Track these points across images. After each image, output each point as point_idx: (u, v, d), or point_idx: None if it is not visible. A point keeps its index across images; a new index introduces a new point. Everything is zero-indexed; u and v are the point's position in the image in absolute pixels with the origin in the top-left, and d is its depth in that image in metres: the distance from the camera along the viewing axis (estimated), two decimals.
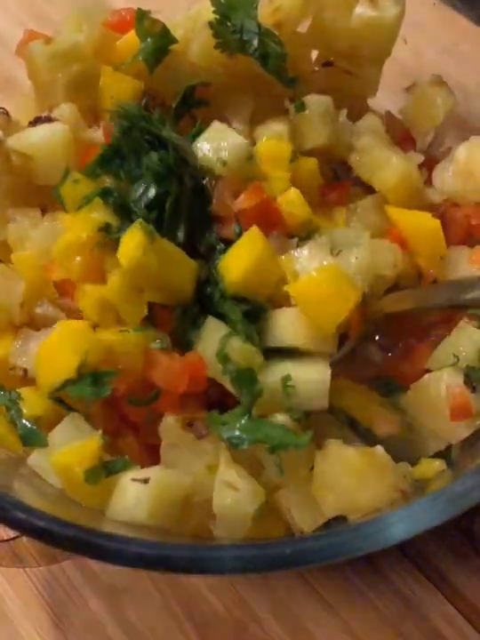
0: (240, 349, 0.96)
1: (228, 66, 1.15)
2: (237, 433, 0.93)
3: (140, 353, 0.97)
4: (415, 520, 0.83)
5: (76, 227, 1.02)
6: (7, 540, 1.17)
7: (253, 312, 1.00)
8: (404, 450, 0.99)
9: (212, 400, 1.01)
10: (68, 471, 0.91)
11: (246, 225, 1.02)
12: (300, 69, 1.18)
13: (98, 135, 1.13)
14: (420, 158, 1.16)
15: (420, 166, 1.15)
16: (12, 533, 1.16)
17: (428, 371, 1.03)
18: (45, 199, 1.11)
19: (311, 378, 0.96)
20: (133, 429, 1.01)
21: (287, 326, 1.00)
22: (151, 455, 0.98)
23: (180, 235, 1.02)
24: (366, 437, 0.99)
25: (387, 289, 1.07)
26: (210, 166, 1.05)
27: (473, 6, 1.21)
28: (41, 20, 1.51)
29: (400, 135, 1.24)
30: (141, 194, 1.03)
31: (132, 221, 1.00)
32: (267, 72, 1.13)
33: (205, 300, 1.02)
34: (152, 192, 1.02)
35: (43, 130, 1.11)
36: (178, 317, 1.01)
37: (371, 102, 1.28)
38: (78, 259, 1.01)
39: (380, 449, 0.94)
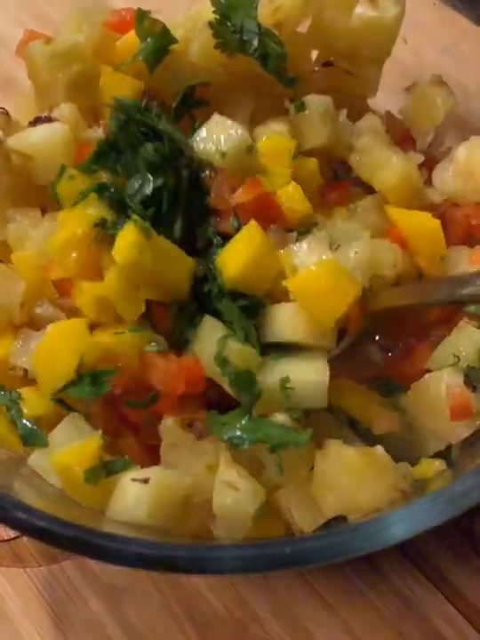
0: (239, 352, 0.96)
1: (228, 66, 1.15)
2: (238, 433, 0.93)
3: (137, 354, 0.97)
4: (415, 520, 0.83)
5: (72, 223, 1.02)
6: (7, 540, 1.17)
7: (252, 307, 1.00)
8: (404, 450, 0.99)
9: (212, 400, 1.01)
10: (69, 471, 0.91)
11: (245, 219, 1.01)
12: (299, 69, 1.18)
13: (98, 135, 1.13)
14: (420, 158, 1.16)
15: (420, 166, 1.15)
16: (12, 533, 1.16)
17: (428, 371, 1.03)
18: (45, 199, 1.11)
19: (310, 378, 0.96)
20: (133, 429, 1.01)
21: (286, 321, 1.00)
22: (151, 455, 0.99)
23: (177, 229, 1.02)
24: (366, 437, 0.99)
25: None
26: (209, 158, 1.05)
27: (473, 6, 1.21)
28: (41, 20, 1.51)
29: (400, 135, 1.24)
30: (137, 188, 1.02)
31: (128, 217, 0.99)
32: (267, 72, 1.13)
33: (203, 296, 1.02)
34: (148, 186, 1.02)
35: (43, 130, 1.11)
36: (174, 315, 1.00)
37: (371, 102, 1.28)
38: (74, 255, 1.00)
39: (380, 449, 0.94)
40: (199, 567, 0.83)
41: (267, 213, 1.03)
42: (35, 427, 0.97)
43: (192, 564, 0.82)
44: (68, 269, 1.02)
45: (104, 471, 0.92)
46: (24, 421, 0.97)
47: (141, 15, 1.12)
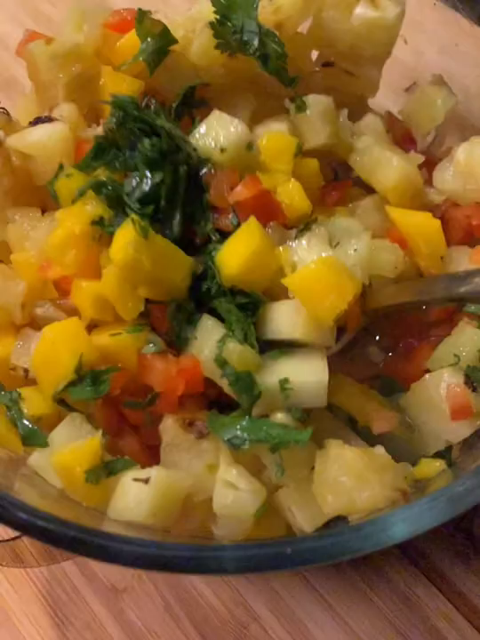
0: (238, 353, 0.96)
1: (228, 66, 1.15)
2: (238, 433, 0.93)
3: (135, 354, 0.97)
4: (416, 520, 0.83)
5: (70, 220, 1.01)
6: (8, 540, 1.17)
7: (250, 304, 1.00)
8: (404, 450, 0.99)
9: (211, 398, 1.01)
10: (69, 471, 0.91)
11: (244, 216, 1.01)
12: (300, 69, 1.18)
13: (97, 134, 1.13)
14: (421, 158, 1.16)
15: (421, 166, 1.15)
16: (12, 533, 1.17)
17: (429, 371, 1.03)
18: (45, 199, 1.11)
19: (310, 378, 0.96)
20: (134, 429, 1.01)
21: (285, 319, 0.99)
22: (152, 455, 0.99)
23: (176, 225, 1.02)
24: (367, 437, 0.99)
25: None
26: (208, 153, 1.04)
27: (473, 6, 1.21)
28: (41, 20, 1.51)
29: (400, 135, 1.24)
30: (135, 186, 1.02)
31: (126, 214, 0.99)
32: (267, 72, 1.12)
33: (201, 295, 1.01)
34: (146, 183, 1.01)
35: (43, 129, 1.11)
36: (172, 314, 1.00)
37: (371, 102, 1.28)
38: (72, 252, 1.00)
39: (380, 449, 0.94)
40: (199, 567, 0.83)
41: (266, 210, 1.03)
42: (35, 427, 0.97)
43: (192, 564, 0.82)
44: (66, 267, 1.01)
45: (105, 471, 0.92)
46: (24, 421, 0.97)
47: (142, 15, 1.12)
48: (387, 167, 1.12)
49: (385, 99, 1.29)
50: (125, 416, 1.01)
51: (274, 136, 1.10)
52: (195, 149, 1.05)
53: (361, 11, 1.15)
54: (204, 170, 1.04)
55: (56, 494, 0.94)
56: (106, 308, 1.00)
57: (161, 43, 1.12)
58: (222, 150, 1.04)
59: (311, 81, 1.20)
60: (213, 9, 1.11)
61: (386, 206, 1.11)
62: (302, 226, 1.04)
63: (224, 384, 0.97)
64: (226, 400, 0.98)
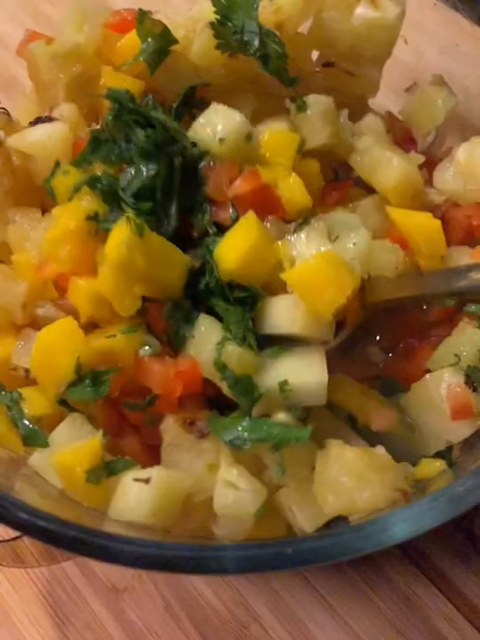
0: (237, 356, 0.95)
1: (228, 66, 1.15)
2: (239, 434, 0.93)
3: (131, 355, 0.97)
4: (416, 520, 0.83)
5: (65, 216, 1.01)
6: (8, 540, 1.17)
7: (249, 299, 0.99)
8: (404, 450, 0.99)
9: (210, 396, 1.01)
10: (70, 471, 0.91)
11: (242, 209, 1.01)
12: (300, 70, 1.18)
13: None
14: (421, 159, 1.15)
15: (421, 167, 1.14)
16: (13, 533, 1.17)
17: (429, 371, 1.03)
18: (45, 199, 1.11)
19: (309, 380, 0.96)
20: (134, 429, 1.01)
21: (283, 313, 0.99)
22: (152, 455, 0.98)
23: (173, 218, 1.01)
24: (367, 437, 0.99)
25: None
26: (207, 144, 1.04)
27: (473, 6, 1.21)
28: (41, 20, 1.51)
29: (401, 135, 1.24)
30: (130, 180, 1.01)
31: (122, 209, 0.99)
32: (267, 72, 1.12)
33: (199, 291, 1.01)
34: (141, 174, 1.01)
35: (43, 129, 1.11)
36: (169, 312, 1.00)
37: (371, 102, 1.28)
38: (67, 248, 1.00)
39: (380, 449, 0.94)
40: (200, 567, 0.83)
41: (265, 204, 1.02)
42: (36, 427, 0.97)
43: (193, 564, 0.82)
44: (62, 264, 1.01)
45: (105, 471, 0.92)
46: (25, 421, 0.97)
47: (142, 16, 1.12)
48: (387, 167, 1.12)
49: (385, 99, 1.29)
50: (126, 416, 1.01)
51: (276, 132, 1.09)
52: (193, 144, 1.04)
53: (361, 11, 1.15)
54: (203, 163, 1.04)
55: (57, 494, 0.94)
56: (103, 306, 0.99)
57: (161, 43, 1.12)
58: (221, 140, 1.04)
59: (311, 81, 1.20)
60: (214, 9, 1.11)
61: (386, 206, 1.11)
62: (301, 220, 1.03)
63: (223, 386, 0.96)
64: (225, 399, 0.98)
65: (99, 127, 1.11)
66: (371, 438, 0.99)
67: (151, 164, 1.01)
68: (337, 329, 1.01)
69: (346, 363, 1.09)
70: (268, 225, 1.02)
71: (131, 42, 1.14)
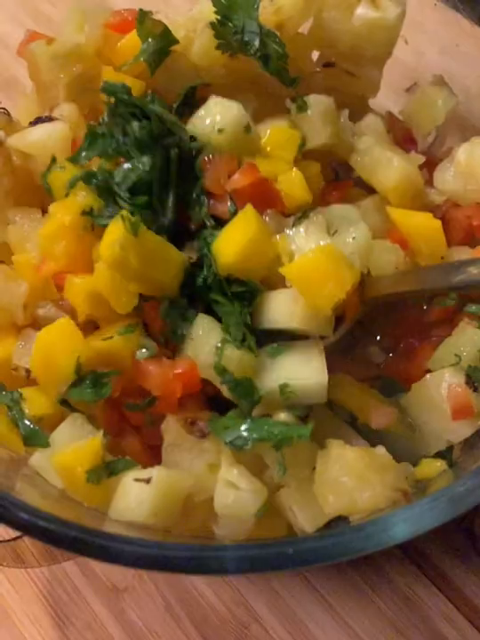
0: (237, 360, 0.95)
1: (229, 66, 1.15)
2: (240, 434, 0.93)
3: (129, 356, 0.97)
4: (417, 520, 0.83)
5: (60, 212, 1.01)
6: (8, 540, 1.17)
7: (247, 294, 0.99)
8: (405, 450, 0.99)
9: (209, 395, 1.01)
10: (70, 471, 0.91)
11: (241, 203, 1.00)
12: (301, 70, 1.18)
13: None
14: (421, 159, 1.15)
15: (421, 167, 1.14)
16: (13, 533, 1.17)
17: (430, 371, 1.03)
18: (45, 199, 1.11)
19: (309, 381, 0.96)
20: (135, 429, 1.01)
21: (282, 308, 0.98)
22: (153, 455, 0.99)
23: (169, 210, 1.01)
24: (368, 437, 0.99)
25: None
26: (206, 135, 1.04)
27: (474, 7, 1.21)
28: (41, 20, 1.51)
29: (401, 136, 1.24)
30: (125, 174, 1.01)
31: (117, 205, 0.98)
32: (268, 73, 1.12)
33: (197, 288, 1.00)
34: (137, 166, 1.00)
35: (43, 129, 1.11)
36: (165, 311, 0.99)
37: (372, 103, 1.28)
38: (62, 244, 1.00)
39: (381, 449, 0.94)
40: (200, 567, 0.83)
41: (264, 198, 1.02)
42: (36, 427, 0.97)
43: (193, 565, 0.82)
44: (58, 260, 1.01)
45: (106, 471, 0.92)
46: (26, 422, 0.97)
47: (143, 16, 1.12)
48: (387, 167, 1.12)
49: (386, 99, 1.29)
50: (126, 416, 1.01)
51: (280, 129, 1.09)
52: (193, 138, 1.04)
53: (362, 11, 1.15)
54: (201, 156, 1.03)
55: (57, 494, 0.94)
56: (101, 303, 0.99)
57: (162, 43, 1.12)
58: (220, 131, 1.03)
59: (312, 81, 1.20)
60: (214, 9, 1.11)
61: (386, 207, 1.11)
62: (300, 214, 1.03)
63: (224, 389, 0.96)
64: (224, 398, 0.98)
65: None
66: (371, 438, 0.99)
67: (146, 155, 1.01)
68: (336, 324, 1.01)
69: (346, 363, 1.09)
70: (267, 219, 1.02)
71: (131, 42, 1.14)
